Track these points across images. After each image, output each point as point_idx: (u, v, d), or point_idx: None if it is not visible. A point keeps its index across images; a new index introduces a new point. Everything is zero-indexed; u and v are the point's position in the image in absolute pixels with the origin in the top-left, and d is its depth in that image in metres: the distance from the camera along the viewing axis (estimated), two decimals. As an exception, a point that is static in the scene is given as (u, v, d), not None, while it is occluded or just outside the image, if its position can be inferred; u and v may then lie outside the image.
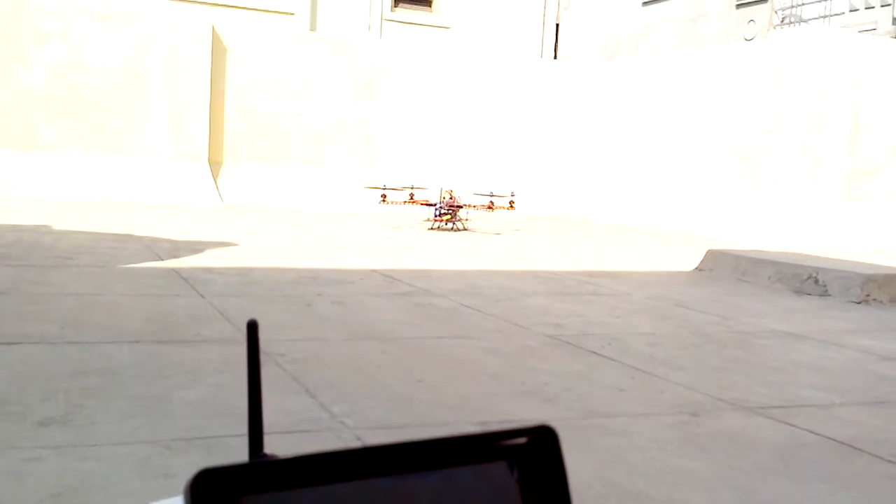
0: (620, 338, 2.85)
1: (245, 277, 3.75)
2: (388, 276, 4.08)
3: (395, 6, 12.93)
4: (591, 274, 4.66)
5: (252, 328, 0.92)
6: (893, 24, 10.91)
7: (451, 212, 7.47)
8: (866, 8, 11.51)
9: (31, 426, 1.59)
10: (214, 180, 9.22)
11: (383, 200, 7.75)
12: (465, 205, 7.58)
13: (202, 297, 3.17)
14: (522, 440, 0.69)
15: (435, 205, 7.51)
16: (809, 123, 7.88)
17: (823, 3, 12.01)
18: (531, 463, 0.67)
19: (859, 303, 3.95)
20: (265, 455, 0.77)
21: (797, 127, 8.00)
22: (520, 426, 0.69)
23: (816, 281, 4.11)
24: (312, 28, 12.15)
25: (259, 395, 0.89)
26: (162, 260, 4.15)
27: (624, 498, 1.42)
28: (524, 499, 0.67)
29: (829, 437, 1.82)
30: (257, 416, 0.86)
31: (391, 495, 0.63)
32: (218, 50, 9.17)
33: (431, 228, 7.31)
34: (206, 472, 0.57)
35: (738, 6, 13.47)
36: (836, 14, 12.09)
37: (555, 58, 14.18)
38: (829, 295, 4.06)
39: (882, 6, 11.24)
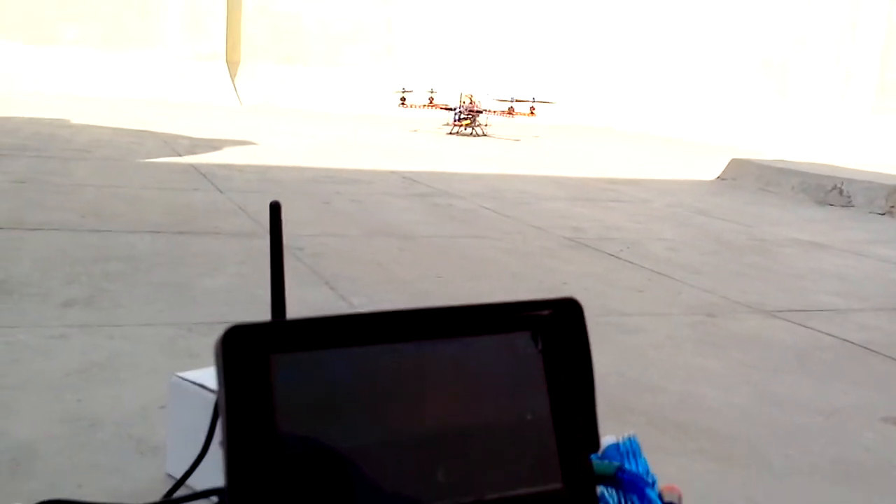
0: (640, 242, 2.84)
1: (263, 175, 3.75)
2: (407, 178, 4.05)
3: None
4: (611, 181, 4.61)
5: (275, 209, 0.91)
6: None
7: (470, 117, 7.35)
8: None
9: (55, 307, 1.62)
10: (232, 80, 9.10)
11: (402, 104, 7.64)
12: (485, 110, 7.46)
13: (221, 192, 3.18)
14: (547, 312, 0.68)
15: (454, 109, 7.39)
16: (841, 34, 7.59)
17: None
18: (555, 334, 0.66)
19: (883, 214, 3.90)
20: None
21: (828, 37, 7.72)
22: (544, 298, 0.68)
23: (841, 192, 4.04)
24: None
25: (281, 267, 0.88)
26: (180, 156, 4.14)
27: (640, 391, 1.43)
28: (547, 369, 0.66)
29: (845, 340, 1.82)
30: (280, 284, 0.86)
31: (415, 359, 0.63)
32: (234, -57, 8.89)
33: (451, 133, 7.22)
34: (236, 329, 0.57)
35: None
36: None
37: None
38: (853, 206, 4.00)
39: None
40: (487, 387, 0.63)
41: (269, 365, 0.56)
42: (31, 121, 5.24)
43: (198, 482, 0.82)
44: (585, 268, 2.40)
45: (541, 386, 0.65)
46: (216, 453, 0.79)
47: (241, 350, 0.55)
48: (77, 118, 5.66)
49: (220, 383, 0.54)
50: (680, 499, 0.84)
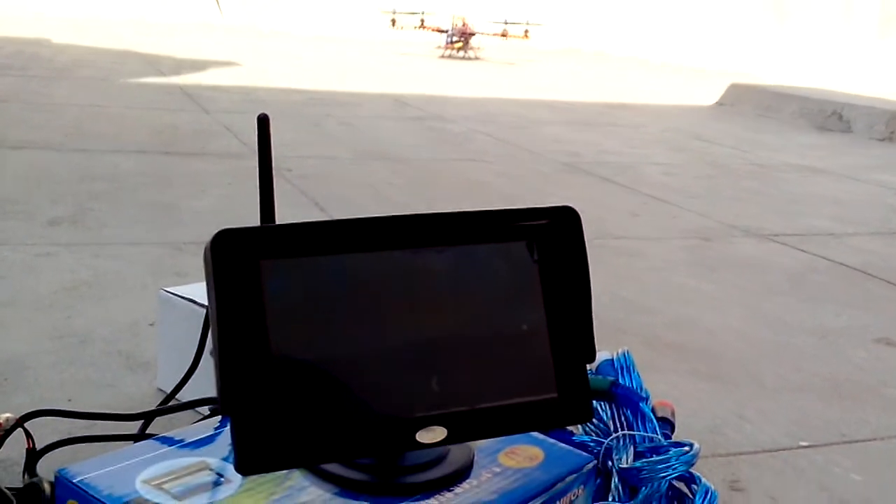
0: (635, 167, 2.81)
1: (250, 96, 3.67)
2: (399, 101, 3.98)
3: None
4: (607, 105, 4.54)
5: (263, 122, 0.86)
6: None
7: (463, 39, 7.19)
8: None
9: (40, 225, 1.59)
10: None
11: (393, 26, 7.46)
12: (478, 32, 7.29)
13: (207, 112, 3.11)
14: (544, 221, 0.65)
15: (447, 32, 7.22)
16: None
17: None
18: (552, 244, 0.64)
19: (882, 140, 3.86)
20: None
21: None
22: (541, 206, 0.65)
23: (840, 117, 3.99)
24: None
25: (270, 177, 0.85)
26: (165, 76, 4.04)
27: (633, 311, 1.43)
28: (543, 279, 0.64)
29: (840, 263, 1.81)
30: (269, 193, 0.82)
31: (409, 267, 0.60)
32: None
33: (443, 56, 7.07)
34: (225, 232, 0.54)
35: None
36: None
37: None
38: (853, 132, 3.96)
39: None
40: (483, 296, 0.61)
41: (259, 270, 0.53)
42: (10, 40, 5.09)
43: (188, 397, 0.80)
44: (580, 191, 2.37)
45: (537, 296, 0.63)
46: (206, 368, 0.77)
47: (230, 254, 0.53)
48: (57, 37, 5.50)
49: (209, 288, 0.51)
50: (673, 414, 0.83)
